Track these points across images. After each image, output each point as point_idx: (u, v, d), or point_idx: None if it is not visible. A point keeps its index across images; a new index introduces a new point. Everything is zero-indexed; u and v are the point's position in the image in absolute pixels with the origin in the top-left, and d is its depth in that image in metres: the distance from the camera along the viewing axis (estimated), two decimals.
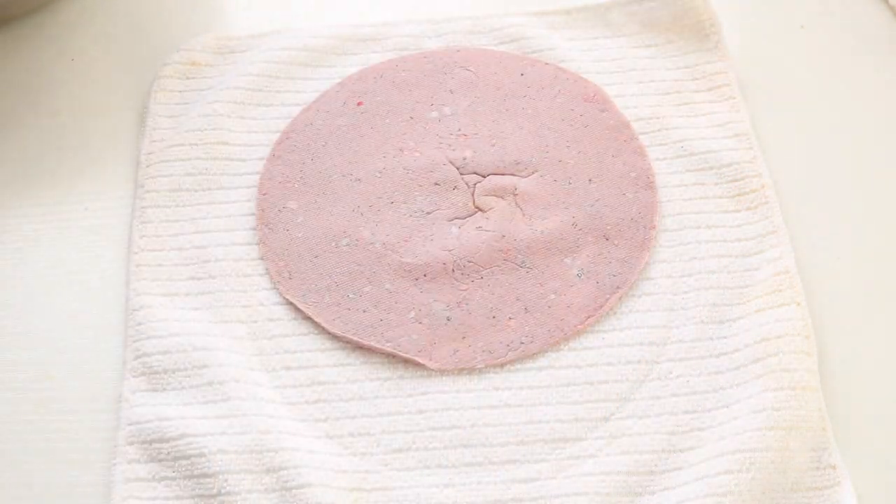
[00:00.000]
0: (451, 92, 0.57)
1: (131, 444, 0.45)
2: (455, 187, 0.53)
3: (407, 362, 0.48)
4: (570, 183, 0.54)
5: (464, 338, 0.49)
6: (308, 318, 0.49)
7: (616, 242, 0.51)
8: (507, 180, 0.54)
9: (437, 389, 0.47)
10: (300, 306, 0.50)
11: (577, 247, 0.51)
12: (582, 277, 0.50)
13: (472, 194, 0.53)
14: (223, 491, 0.44)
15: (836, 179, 0.55)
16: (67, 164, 0.56)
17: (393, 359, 0.48)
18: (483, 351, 0.48)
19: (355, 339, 0.48)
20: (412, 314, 0.49)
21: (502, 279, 0.50)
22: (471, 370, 0.48)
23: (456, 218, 0.52)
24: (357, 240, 0.52)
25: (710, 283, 0.50)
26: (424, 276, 0.50)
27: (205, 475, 0.44)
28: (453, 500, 0.44)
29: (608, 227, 0.52)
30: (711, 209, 0.53)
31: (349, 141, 0.56)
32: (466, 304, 0.49)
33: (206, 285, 0.50)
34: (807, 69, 0.59)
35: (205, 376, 0.47)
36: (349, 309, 0.49)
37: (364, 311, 0.49)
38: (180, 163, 0.54)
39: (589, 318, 0.49)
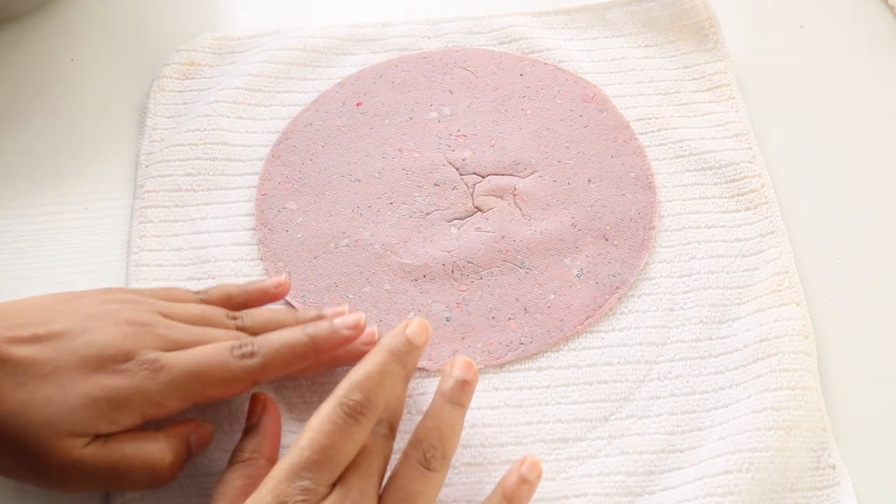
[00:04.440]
0: (451, 92, 0.57)
1: None
2: (454, 188, 0.53)
3: None
4: (569, 183, 0.53)
5: (463, 338, 0.49)
6: None
7: (615, 243, 0.51)
8: (506, 181, 0.54)
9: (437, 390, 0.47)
10: (299, 307, 0.49)
11: (577, 247, 0.51)
12: (581, 278, 0.50)
13: (472, 195, 0.53)
14: None
15: (835, 179, 0.55)
16: (67, 164, 0.56)
17: None
18: (482, 351, 0.48)
19: None
20: (411, 315, 0.49)
21: (502, 280, 0.50)
22: None
23: (455, 218, 0.52)
24: (356, 240, 0.52)
25: (709, 283, 0.50)
26: (424, 276, 0.50)
27: (206, 474, 0.44)
28: (453, 500, 0.44)
29: (607, 228, 0.52)
30: (711, 209, 0.53)
31: (348, 141, 0.56)
32: (466, 304, 0.49)
33: (205, 285, 0.50)
34: (806, 69, 0.59)
35: None
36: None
37: (363, 312, 0.49)
38: (180, 163, 0.54)
39: (588, 318, 0.49)
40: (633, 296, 0.50)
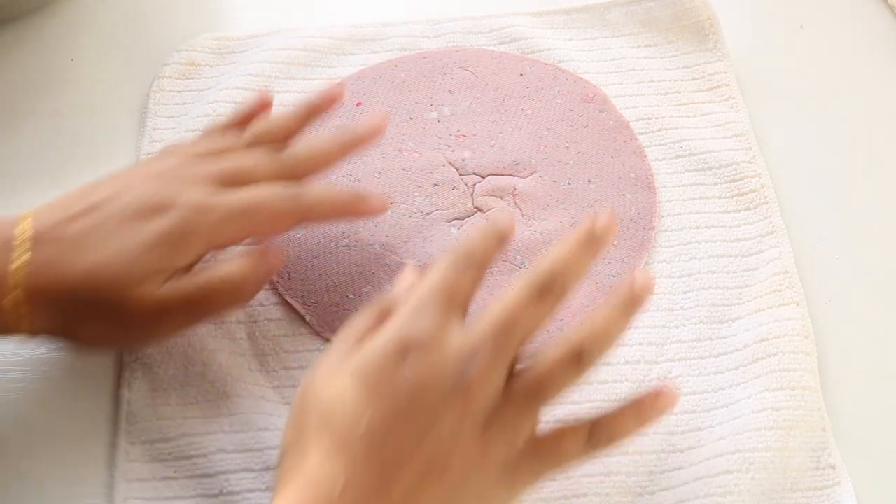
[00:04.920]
0: (451, 92, 0.57)
1: (132, 444, 0.45)
2: (454, 188, 0.53)
3: None
4: (569, 183, 0.53)
5: None
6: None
7: (615, 243, 0.51)
8: (506, 181, 0.54)
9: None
10: (298, 307, 0.49)
11: None
12: None
13: (472, 195, 0.53)
14: (224, 491, 0.44)
15: (835, 179, 0.55)
16: (67, 163, 0.56)
17: None
18: None
19: None
20: None
21: (501, 280, 0.50)
22: None
23: (455, 219, 0.52)
24: (356, 241, 0.52)
25: (709, 283, 0.50)
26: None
27: (206, 475, 0.44)
28: None
29: None
30: (711, 209, 0.53)
31: None
32: None
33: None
34: (806, 69, 0.59)
35: (204, 376, 0.47)
36: (349, 310, 0.49)
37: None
38: None
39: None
40: None
